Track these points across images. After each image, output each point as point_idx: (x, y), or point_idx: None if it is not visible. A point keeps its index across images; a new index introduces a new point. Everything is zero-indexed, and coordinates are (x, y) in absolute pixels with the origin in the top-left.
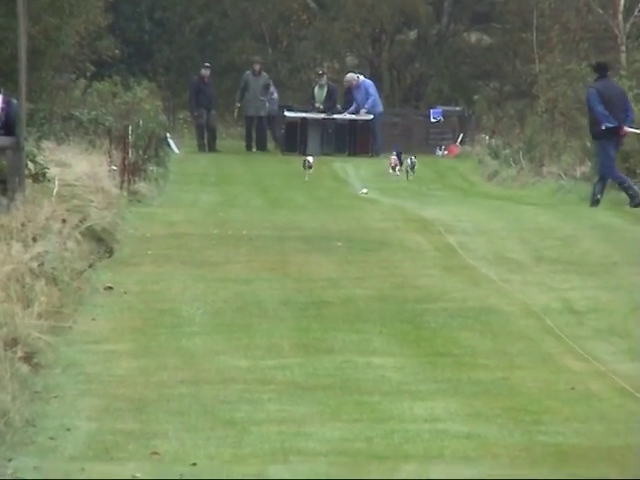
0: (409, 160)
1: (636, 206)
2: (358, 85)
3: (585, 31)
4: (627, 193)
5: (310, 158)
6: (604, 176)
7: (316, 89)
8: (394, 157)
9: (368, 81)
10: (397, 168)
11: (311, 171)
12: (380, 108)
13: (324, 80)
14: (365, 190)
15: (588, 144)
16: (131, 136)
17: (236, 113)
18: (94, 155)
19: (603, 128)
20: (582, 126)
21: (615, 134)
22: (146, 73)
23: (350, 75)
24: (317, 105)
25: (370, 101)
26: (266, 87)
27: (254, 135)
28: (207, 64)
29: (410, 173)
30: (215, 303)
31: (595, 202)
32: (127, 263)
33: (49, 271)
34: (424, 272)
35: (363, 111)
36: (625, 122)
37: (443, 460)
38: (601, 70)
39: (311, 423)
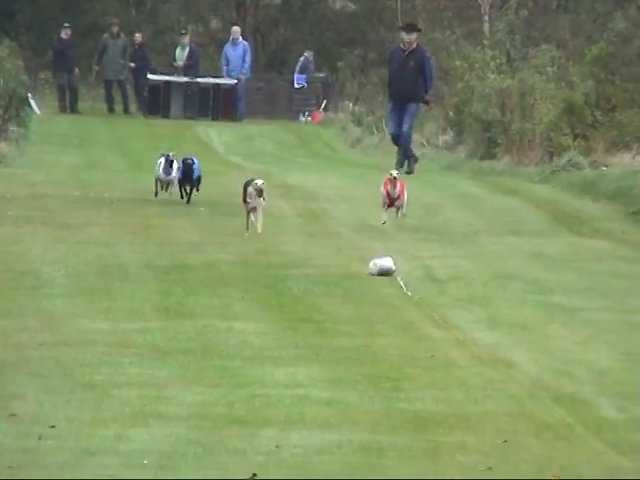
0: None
1: (409, 173)
2: (238, 43)
3: (449, 0)
4: (409, 162)
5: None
6: (406, 138)
7: (178, 49)
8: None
9: (246, 44)
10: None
11: (257, 223)
12: (248, 74)
13: (186, 40)
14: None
15: (451, 113)
16: None
17: (94, 76)
18: None
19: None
20: (444, 95)
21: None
22: (7, 32)
23: (238, 28)
24: (177, 63)
25: (247, 67)
26: (125, 49)
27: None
28: (66, 24)
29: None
30: (76, 266)
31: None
32: None
33: None
34: (287, 238)
35: (236, 75)
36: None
37: (304, 425)
38: (418, 31)
39: (172, 387)
